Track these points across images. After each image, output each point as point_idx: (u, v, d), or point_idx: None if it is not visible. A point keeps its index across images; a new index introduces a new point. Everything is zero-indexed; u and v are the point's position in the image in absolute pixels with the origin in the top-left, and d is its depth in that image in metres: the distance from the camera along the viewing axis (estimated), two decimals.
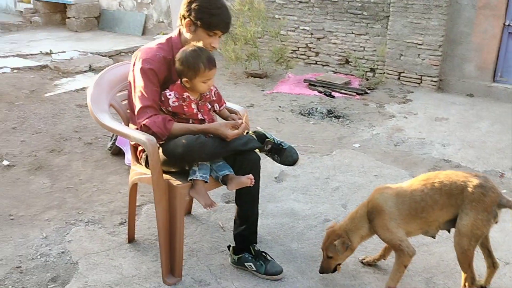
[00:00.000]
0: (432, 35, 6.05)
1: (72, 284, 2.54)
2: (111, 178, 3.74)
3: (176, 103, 2.40)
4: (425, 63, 6.21)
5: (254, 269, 2.62)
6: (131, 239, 2.91)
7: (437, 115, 5.38)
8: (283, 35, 7.23)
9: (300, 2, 7.19)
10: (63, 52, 7.51)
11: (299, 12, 7.24)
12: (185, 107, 2.41)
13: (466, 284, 2.40)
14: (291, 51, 7.37)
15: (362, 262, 2.76)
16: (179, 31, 2.57)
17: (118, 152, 4.07)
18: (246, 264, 2.64)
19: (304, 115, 5.35)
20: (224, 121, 2.53)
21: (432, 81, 6.24)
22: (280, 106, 5.63)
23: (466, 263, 2.35)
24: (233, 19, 7.18)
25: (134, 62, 2.51)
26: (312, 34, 7.22)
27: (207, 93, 2.49)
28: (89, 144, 4.35)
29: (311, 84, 6.37)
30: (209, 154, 2.34)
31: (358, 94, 6.08)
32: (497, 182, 3.84)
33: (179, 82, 2.44)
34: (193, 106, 2.43)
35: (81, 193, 3.51)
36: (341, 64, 7.10)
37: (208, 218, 3.22)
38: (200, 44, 2.41)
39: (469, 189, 2.28)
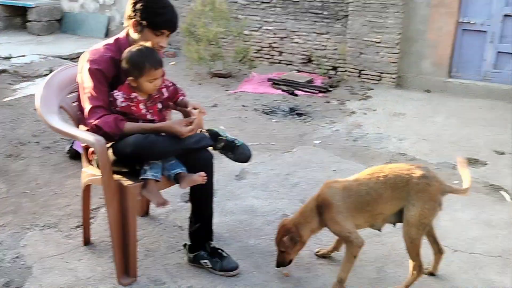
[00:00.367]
0: (389, 33, 6.20)
1: None
2: (69, 181, 3.71)
3: (124, 103, 2.41)
4: (384, 61, 6.36)
5: (210, 266, 2.65)
6: (87, 242, 2.89)
7: (395, 111, 5.52)
8: (247, 35, 7.28)
9: (262, 2, 7.26)
10: (23, 56, 7.37)
11: (262, 12, 7.30)
12: (133, 107, 2.42)
13: (414, 272, 2.48)
14: (255, 51, 7.42)
15: (316, 255, 2.83)
16: (127, 31, 2.58)
17: (76, 156, 4.02)
18: (201, 261, 2.66)
19: (267, 114, 5.41)
20: (178, 119, 2.54)
21: (391, 78, 6.39)
22: (243, 105, 5.68)
23: (414, 252, 2.44)
24: (195, 20, 7.16)
25: (82, 64, 2.51)
26: (275, 34, 7.29)
27: (157, 93, 2.50)
28: (47, 148, 4.30)
29: (275, 83, 6.44)
30: (159, 153, 2.36)
31: (320, 92, 6.17)
32: (449, 173, 3.98)
33: (127, 82, 2.45)
34: (141, 106, 2.44)
35: (38, 197, 3.47)
36: (304, 63, 7.19)
37: (166, 218, 3.23)
38: (147, 44, 2.42)
39: (414, 181, 2.37)
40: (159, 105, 2.53)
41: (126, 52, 2.39)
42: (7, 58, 7.23)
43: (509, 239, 3.07)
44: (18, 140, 4.44)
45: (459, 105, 5.76)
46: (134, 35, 2.51)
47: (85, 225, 2.87)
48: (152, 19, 2.42)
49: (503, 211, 3.41)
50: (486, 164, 4.19)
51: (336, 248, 2.78)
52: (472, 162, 4.22)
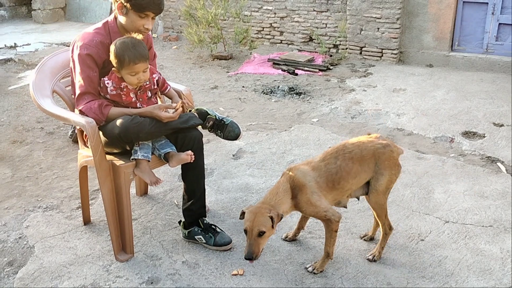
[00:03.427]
0: (389, 8, 6.14)
1: (28, 266, 2.63)
2: (72, 165, 3.81)
3: (114, 92, 2.48)
4: (384, 37, 6.32)
5: (204, 241, 2.73)
6: (86, 222, 3.00)
7: (395, 87, 5.51)
8: (247, 15, 7.27)
9: None
10: (28, 44, 7.48)
11: None
12: (123, 96, 2.49)
13: (385, 232, 2.62)
14: (256, 32, 7.42)
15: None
16: (115, 14, 2.62)
17: None
18: (196, 237, 2.75)
19: (267, 94, 5.44)
20: (157, 104, 2.57)
21: (392, 53, 6.35)
22: (243, 86, 5.71)
23: (383, 215, 2.57)
24: (194, 2, 7.12)
25: (73, 48, 2.57)
26: (275, 13, 7.27)
27: (147, 82, 2.55)
28: (51, 134, 4.41)
29: (275, 63, 6.45)
30: (146, 133, 2.42)
31: (321, 70, 6.17)
32: (446, 147, 4.00)
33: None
34: (132, 95, 2.51)
35: (41, 181, 3.58)
36: (305, 42, 7.17)
37: (164, 197, 3.32)
38: (139, 36, 2.46)
39: (380, 151, 2.44)
40: (149, 93, 2.59)
41: (114, 42, 2.44)
42: (13, 47, 7.35)
43: (502, 209, 3.10)
44: (22, 127, 4.56)
45: (461, 78, 5.73)
46: (121, 18, 2.56)
47: (84, 206, 2.97)
48: (136, 1, 2.45)
49: (498, 182, 3.43)
50: (484, 136, 4.19)
51: (301, 227, 2.82)
52: (470, 135, 4.22)
